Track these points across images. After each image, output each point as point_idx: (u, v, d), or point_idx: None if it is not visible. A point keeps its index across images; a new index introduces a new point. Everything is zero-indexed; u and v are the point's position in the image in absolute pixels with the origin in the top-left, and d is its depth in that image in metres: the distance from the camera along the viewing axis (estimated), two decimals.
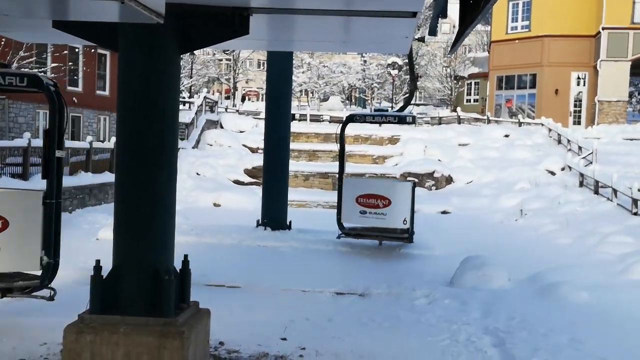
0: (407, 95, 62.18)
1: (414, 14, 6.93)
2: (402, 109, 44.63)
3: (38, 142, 20.66)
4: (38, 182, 19.14)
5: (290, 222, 18.47)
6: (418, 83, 64.42)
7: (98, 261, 6.76)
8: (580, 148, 30.87)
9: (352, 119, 17.62)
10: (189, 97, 54.97)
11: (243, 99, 70.38)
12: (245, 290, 11.82)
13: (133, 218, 6.81)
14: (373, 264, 15.14)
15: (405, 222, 15.79)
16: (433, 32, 9.41)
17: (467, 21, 8.04)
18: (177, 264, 7.37)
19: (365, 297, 11.88)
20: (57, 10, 5.57)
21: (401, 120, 18.00)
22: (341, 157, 16.63)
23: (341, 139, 17.27)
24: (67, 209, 20.54)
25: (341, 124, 17.97)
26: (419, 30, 54.08)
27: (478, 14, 7.27)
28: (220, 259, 14.30)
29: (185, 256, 7.33)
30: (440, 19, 8.78)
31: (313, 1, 6.60)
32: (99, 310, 6.61)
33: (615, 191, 22.58)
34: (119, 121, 6.86)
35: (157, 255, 6.84)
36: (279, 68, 18.92)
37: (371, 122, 21.97)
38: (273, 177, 19.09)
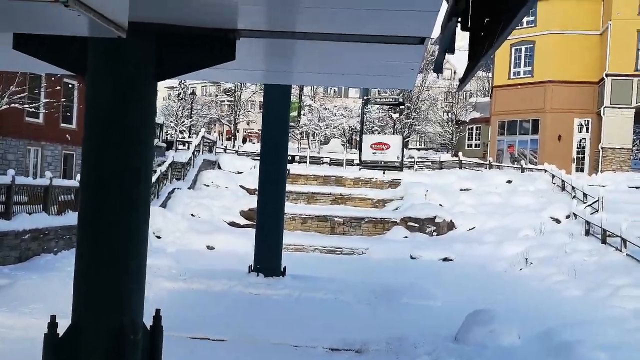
0: (407, 139, 61.67)
1: (422, 41, 6.17)
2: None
3: (23, 180, 19.83)
4: (22, 222, 18.29)
5: (284, 267, 17.53)
6: (419, 127, 64.03)
7: (53, 317, 5.85)
8: (585, 195, 30.02)
9: (368, 101, 34.94)
10: (189, 137, 54.40)
11: (244, 141, 69.90)
12: (231, 344, 10.85)
13: (95, 267, 5.92)
14: (372, 314, 14.19)
15: (397, 157, 28.24)
16: (439, 68, 8.62)
17: (477, 54, 7.32)
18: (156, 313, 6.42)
19: (363, 354, 10.91)
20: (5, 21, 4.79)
21: (395, 100, 36.74)
22: (361, 126, 31.88)
23: (362, 116, 33.75)
24: (52, 250, 19.61)
25: (362, 105, 36.32)
26: (421, 73, 53.83)
27: (491, 46, 6.55)
28: (208, 308, 13.36)
29: (157, 311, 6.40)
30: (447, 54, 8.05)
31: (309, 24, 5.83)
32: None
33: (624, 241, 21.66)
34: (84, 154, 6.02)
35: (123, 311, 5.92)
36: (275, 104, 18.17)
37: (380, 104, 45.09)
38: (267, 220, 18.18)
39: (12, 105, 23.13)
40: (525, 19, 42.91)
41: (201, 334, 11.19)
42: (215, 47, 5.93)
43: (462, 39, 8.14)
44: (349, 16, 5.57)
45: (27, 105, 24.70)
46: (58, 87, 26.84)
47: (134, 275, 6.05)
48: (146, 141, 6.07)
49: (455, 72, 73.90)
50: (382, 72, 7.90)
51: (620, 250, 21.82)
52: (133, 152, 5.97)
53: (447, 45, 7.68)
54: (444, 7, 7.46)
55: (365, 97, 41.82)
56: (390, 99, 38.85)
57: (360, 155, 25.21)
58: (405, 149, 52.30)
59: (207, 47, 5.92)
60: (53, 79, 26.17)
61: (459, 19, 6.98)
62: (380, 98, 38.02)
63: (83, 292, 5.97)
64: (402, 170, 31.87)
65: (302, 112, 59.31)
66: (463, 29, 7.19)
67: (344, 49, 6.56)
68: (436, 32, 7.67)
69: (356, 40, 6.18)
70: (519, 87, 44.04)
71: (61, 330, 5.95)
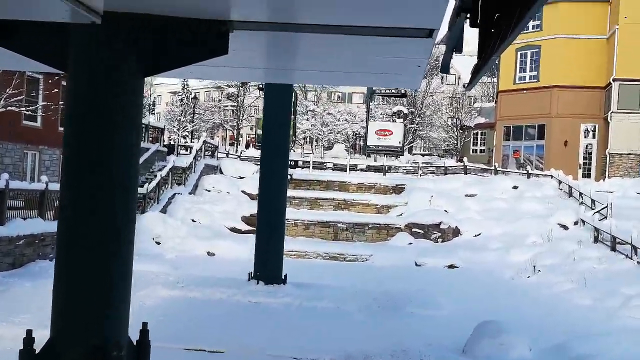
0: (411, 144, 61.21)
1: (430, 33, 5.70)
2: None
3: (18, 184, 19.39)
4: (16, 228, 17.86)
5: (285, 275, 17.04)
6: (423, 133, 63.61)
7: (29, 331, 5.39)
8: (593, 201, 29.46)
9: (373, 92, 38.11)
10: (191, 141, 54.06)
11: (247, 146, 69.41)
12: (229, 356, 10.35)
13: (74, 275, 5.45)
14: (376, 324, 13.69)
15: (399, 143, 32.48)
16: (446, 68, 8.16)
17: (487, 51, 6.89)
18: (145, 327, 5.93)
19: None
20: None
21: (398, 91, 40.69)
22: (367, 114, 37.18)
23: (367, 106, 39.94)
24: (47, 256, 19.15)
25: (367, 97, 42.41)
26: (425, 78, 53.47)
27: (504, 40, 6.11)
28: (205, 317, 12.87)
29: (144, 325, 5.92)
30: (454, 54, 7.59)
31: (308, 14, 5.37)
32: None
33: (635, 248, 21.11)
34: (65, 157, 5.55)
35: (105, 324, 5.44)
36: (276, 106, 17.69)
37: (384, 95, 47.17)
38: (267, 226, 17.69)
39: (9, 108, 22.70)
40: (530, 23, 42.42)
41: (197, 345, 10.71)
42: (205, 40, 5.46)
43: (467, 44, 7.68)
44: (351, 5, 5.11)
45: (24, 109, 24.26)
46: (56, 90, 26.34)
47: (118, 284, 5.57)
48: (130, 141, 5.60)
49: (459, 78, 73.52)
50: (387, 70, 7.43)
51: (631, 258, 21.28)
52: (116, 155, 5.50)
53: (455, 43, 7.21)
54: (452, 4, 7.00)
55: (370, 90, 47.76)
56: (394, 91, 44.32)
57: (365, 140, 31.32)
58: (409, 154, 52.27)
59: (197, 40, 5.45)
60: (50, 81, 25.77)
61: (468, 15, 6.53)
62: (385, 90, 44.59)
63: (61, 303, 5.51)
64: (403, 155, 40.83)
65: (296, 130, 58.72)
66: (472, 25, 6.74)
67: (346, 43, 6.10)
68: (442, 31, 7.22)
69: (359, 33, 5.71)
70: (525, 91, 43.54)
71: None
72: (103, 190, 5.43)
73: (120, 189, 5.49)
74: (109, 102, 5.45)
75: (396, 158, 47.07)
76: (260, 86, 50.73)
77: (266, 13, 5.44)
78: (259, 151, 47.18)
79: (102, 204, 5.42)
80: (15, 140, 25.70)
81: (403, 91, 44.50)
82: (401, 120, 47.39)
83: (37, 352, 5.37)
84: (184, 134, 66.44)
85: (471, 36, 7.86)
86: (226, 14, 5.35)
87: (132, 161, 5.64)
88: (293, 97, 54.27)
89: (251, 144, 73.25)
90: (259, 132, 49.79)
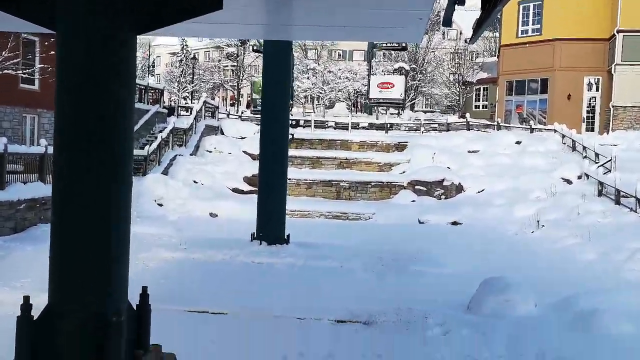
0: (413, 101, 60.73)
1: None
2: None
3: (17, 148, 19.21)
4: (16, 192, 17.74)
5: (288, 235, 16.97)
6: (425, 90, 63.09)
7: (27, 297, 5.27)
8: (597, 155, 29.27)
9: (374, 46, 39.10)
10: (191, 102, 53.68)
11: (248, 106, 68.92)
12: (232, 318, 10.29)
13: (73, 242, 5.30)
14: (379, 283, 13.65)
15: (401, 95, 36.57)
16: (448, 22, 7.90)
17: (490, 4, 6.69)
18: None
19: (371, 326, 10.35)
20: None
21: (399, 45, 41.24)
22: (369, 68, 39.62)
23: (369, 59, 42.77)
24: (49, 220, 19.05)
25: (368, 51, 44.56)
26: (426, 34, 52.83)
27: None
28: (208, 279, 12.82)
29: (144, 289, 5.79)
30: (456, 7, 7.34)
31: None
32: None
33: (639, 201, 20.99)
34: (57, 119, 5.36)
35: (104, 291, 5.31)
36: (275, 64, 17.37)
37: (385, 48, 47.22)
38: (269, 185, 17.56)
39: (6, 71, 22.38)
40: None
41: (200, 307, 10.66)
42: None
43: None
44: None
45: (21, 72, 23.94)
46: (52, 52, 25.84)
47: (116, 247, 5.43)
48: (124, 101, 5.40)
49: (461, 33, 72.60)
50: (389, 24, 7.18)
51: (636, 211, 21.17)
52: (109, 116, 5.31)
53: None
54: None
55: (372, 44, 47.66)
56: (395, 44, 44.41)
57: (368, 93, 34.30)
58: (411, 111, 51.98)
59: None
60: (47, 43, 25.36)
61: None
62: (386, 43, 45.02)
63: (58, 269, 5.36)
64: (404, 108, 43.88)
65: (294, 92, 57.93)
66: None
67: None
68: None
69: None
70: (527, 45, 42.95)
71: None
72: (97, 149, 5.26)
73: (117, 147, 5.32)
74: (99, 61, 5.25)
75: (398, 115, 46.73)
76: (256, 47, 50.11)
77: None
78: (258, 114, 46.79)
79: (97, 163, 5.25)
80: (13, 103, 25.40)
81: (404, 44, 44.30)
82: (403, 76, 47.15)
83: (35, 318, 5.25)
84: (184, 95, 66.02)
85: None
86: None
87: (127, 120, 5.45)
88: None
89: (251, 104, 72.79)
90: (255, 96, 49.57)
